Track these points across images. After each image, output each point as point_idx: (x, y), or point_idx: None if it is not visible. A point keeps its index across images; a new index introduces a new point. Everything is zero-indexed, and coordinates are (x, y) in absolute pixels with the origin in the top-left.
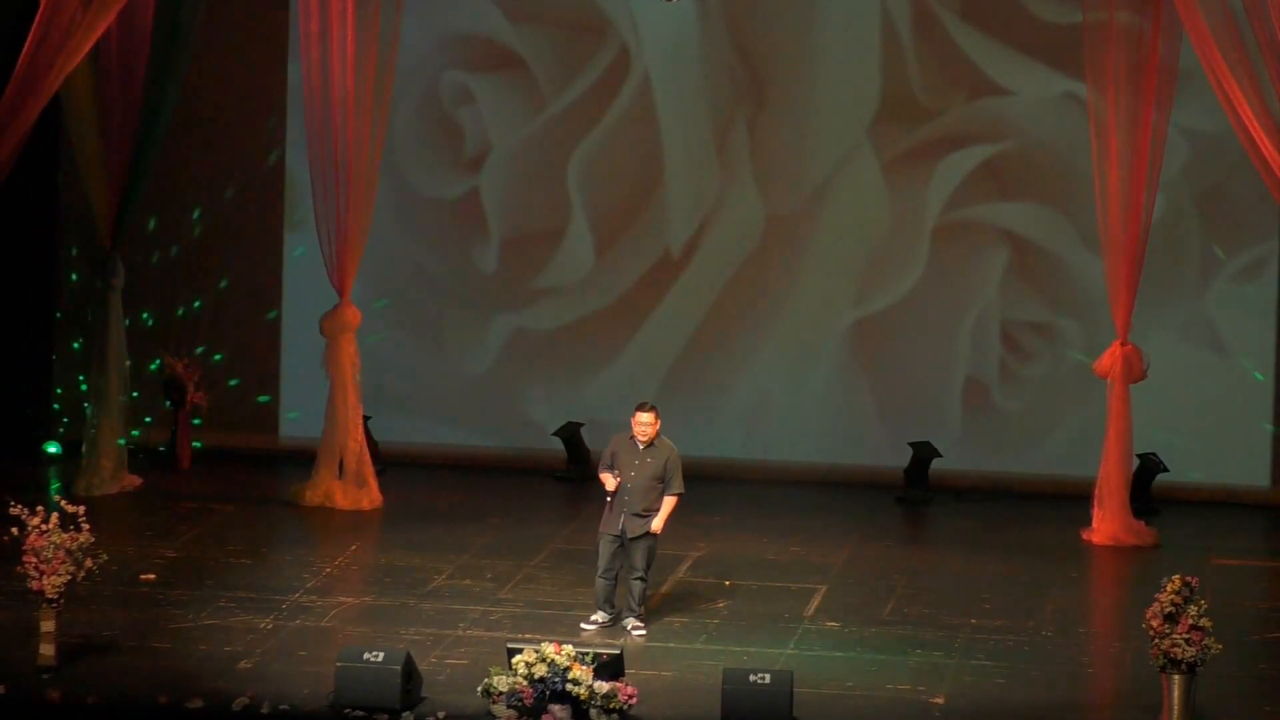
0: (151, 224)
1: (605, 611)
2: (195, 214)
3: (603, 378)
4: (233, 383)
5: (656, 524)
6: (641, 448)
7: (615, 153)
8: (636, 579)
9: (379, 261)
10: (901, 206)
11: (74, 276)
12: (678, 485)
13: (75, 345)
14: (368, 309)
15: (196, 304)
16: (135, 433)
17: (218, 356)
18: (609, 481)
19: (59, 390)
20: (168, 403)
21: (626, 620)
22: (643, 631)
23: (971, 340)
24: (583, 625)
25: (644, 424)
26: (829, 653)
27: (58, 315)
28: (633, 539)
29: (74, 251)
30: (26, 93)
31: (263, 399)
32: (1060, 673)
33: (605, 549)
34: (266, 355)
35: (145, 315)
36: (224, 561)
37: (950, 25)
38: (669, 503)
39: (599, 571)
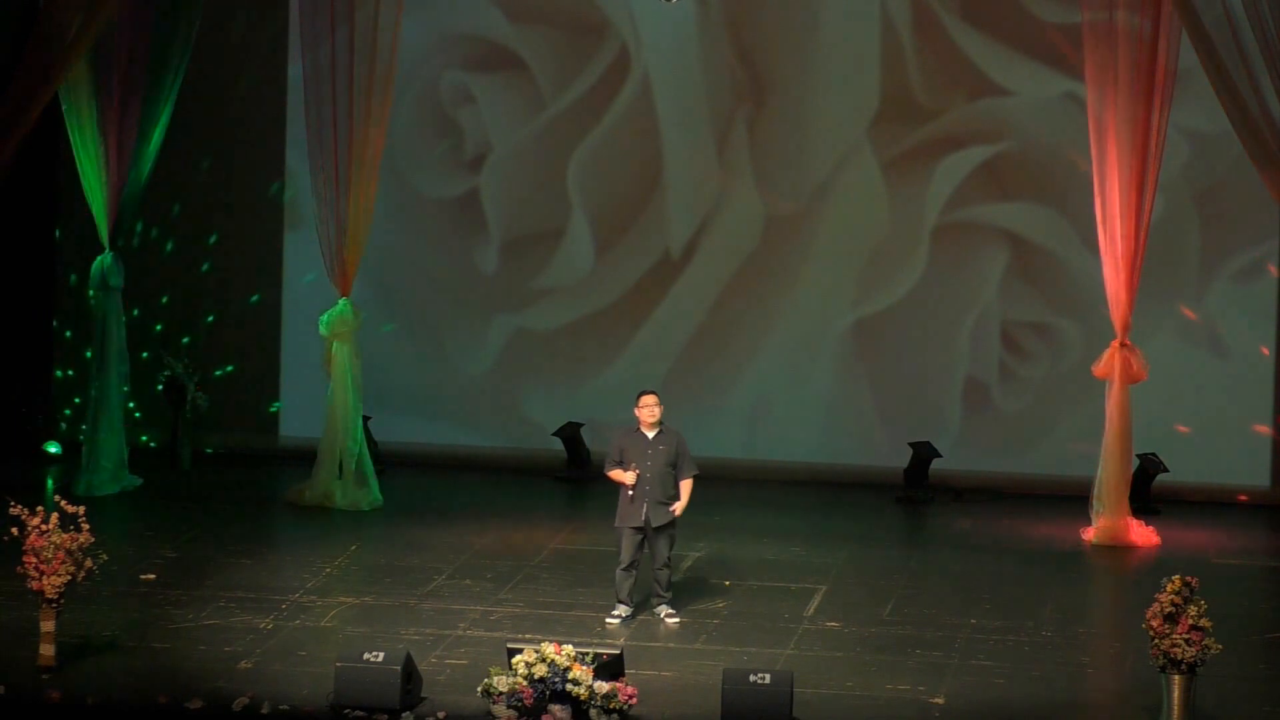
0: (151, 224)
1: (627, 605)
2: (195, 214)
3: (603, 378)
4: (227, 373)
5: (679, 508)
6: (651, 436)
7: (615, 153)
8: (662, 568)
9: (379, 261)
10: (901, 206)
11: (74, 277)
12: (691, 468)
13: (75, 345)
14: (370, 315)
15: (196, 303)
16: (142, 438)
17: (218, 357)
18: (629, 475)
19: (59, 391)
20: (167, 403)
21: (659, 608)
22: (675, 618)
23: (971, 340)
24: (607, 620)
25: (649, 405)
26: (829, 653)
27: (57, 315)
28: (657, 529)
29: (74, 252)
30: (26, 93)
31: (263, 399)
32: (1060, 673)
33: (629, 541)
34: (267, 355)
35: (145, 315)
36: (224, 561)
37: (950, 25)
38: (687, 486)
39: (622, 565)
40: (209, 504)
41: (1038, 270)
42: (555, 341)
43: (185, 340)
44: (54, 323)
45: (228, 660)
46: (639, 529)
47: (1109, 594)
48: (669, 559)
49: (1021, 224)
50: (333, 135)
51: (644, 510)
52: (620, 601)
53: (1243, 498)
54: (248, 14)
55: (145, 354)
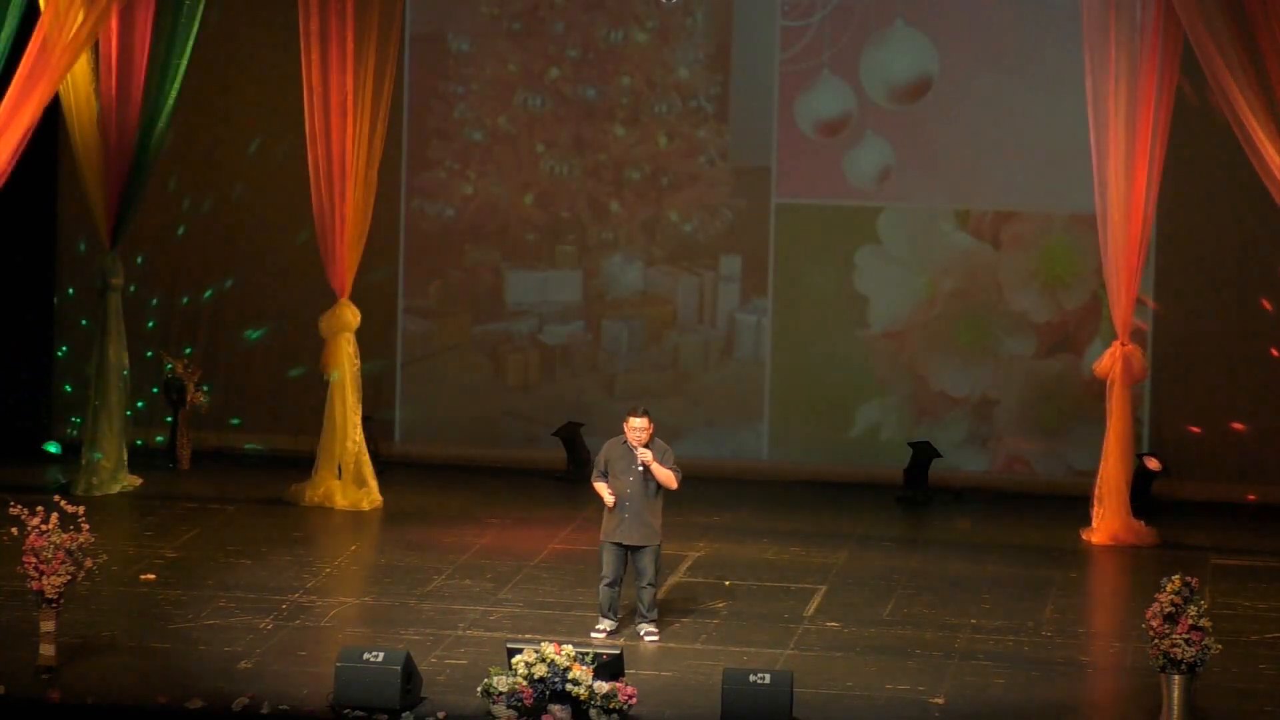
0: (151, 224)
1: (611, 619)
2: (194, 213)
3: (603, 378)
4: (227, 373)
5: (655, 469)
6: (635, 451)
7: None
8: (647, 585)
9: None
10: (903, 205)
11: (72, 276)
12: (674, 467)
13: (75, 345)
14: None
15: (196, 302)
16: (139, 442)
17: (217, 356)
18: (605, 493)
19: (59, 390)
20: (167, 403)
21: (640, 626)
22: (655, 637)
23: (971, 340)
24: (592, 634)
25: (637, 429)
26: (829, 653)
27: (57, 315)
28: (638, 547)
29: (74, 252)
30: (26, 93)
31: (262, 398)
32: (1060, 673)
33: (609, 556)
34: (266, 354)
35: (144, 314)
36: (224, 561)
37: None
38: (668, 472)
39: (604, 580)
40: (209, 504)
41: (1039, 270)
42: (556, 342)
43: (184, 339)
44: (54, 322)
45: (228, 660)
46: (619, 544)
47: (1109, 594)
48: (654, 577)
49: (1022, 223)
50: (333, 135)
51: (622, 528)
52: (603, 616)
53: (1251, 497)
54: (249, 12)
55: (144, 352)
